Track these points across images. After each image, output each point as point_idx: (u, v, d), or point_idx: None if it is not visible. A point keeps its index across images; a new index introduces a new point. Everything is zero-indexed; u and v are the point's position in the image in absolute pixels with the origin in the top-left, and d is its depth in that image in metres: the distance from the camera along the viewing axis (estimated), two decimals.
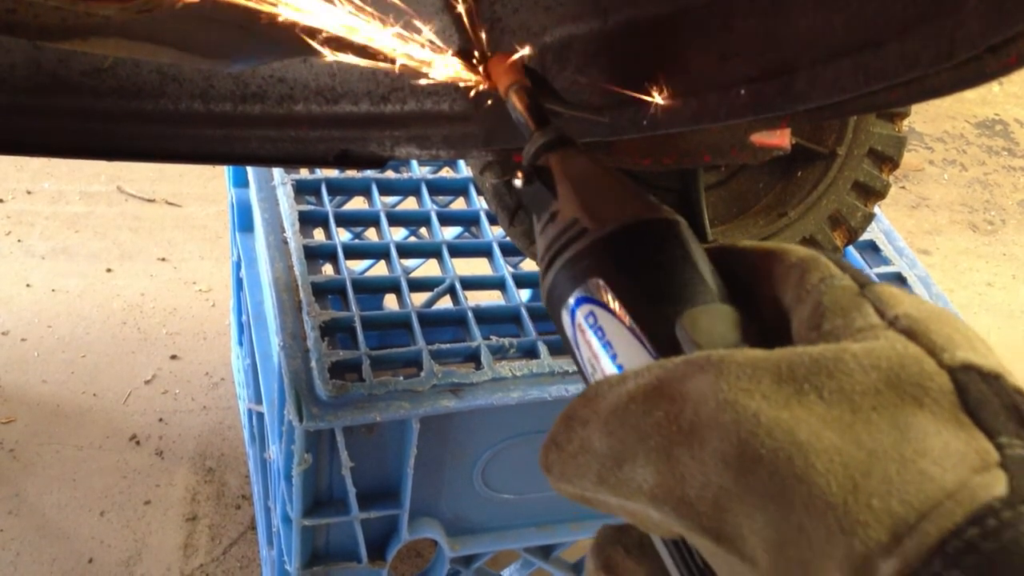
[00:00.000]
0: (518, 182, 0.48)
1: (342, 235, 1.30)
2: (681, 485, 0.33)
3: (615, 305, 0.41)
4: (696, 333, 0.39)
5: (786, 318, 0.39)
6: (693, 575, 0.37)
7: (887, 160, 1.11)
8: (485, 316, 1.21)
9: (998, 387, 0.33)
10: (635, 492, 0.35)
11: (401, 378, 1.07)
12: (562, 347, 1.18)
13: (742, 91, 0.66)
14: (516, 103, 0.52)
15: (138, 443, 1.86)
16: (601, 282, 0.42)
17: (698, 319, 0.39)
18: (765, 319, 0.40)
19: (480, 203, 1.39)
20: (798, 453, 0.31)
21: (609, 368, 0.41)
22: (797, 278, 0.39)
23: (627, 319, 0.40)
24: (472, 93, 0.59)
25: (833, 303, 0.37)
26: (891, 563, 0.29)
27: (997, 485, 0.30)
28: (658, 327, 0.40)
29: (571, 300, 0.43)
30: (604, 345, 0.41)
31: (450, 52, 0.57)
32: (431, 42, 0.58)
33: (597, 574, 0.42)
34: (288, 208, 1.26)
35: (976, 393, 0.33)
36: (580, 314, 0.42)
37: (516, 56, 0.56)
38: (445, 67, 0.57)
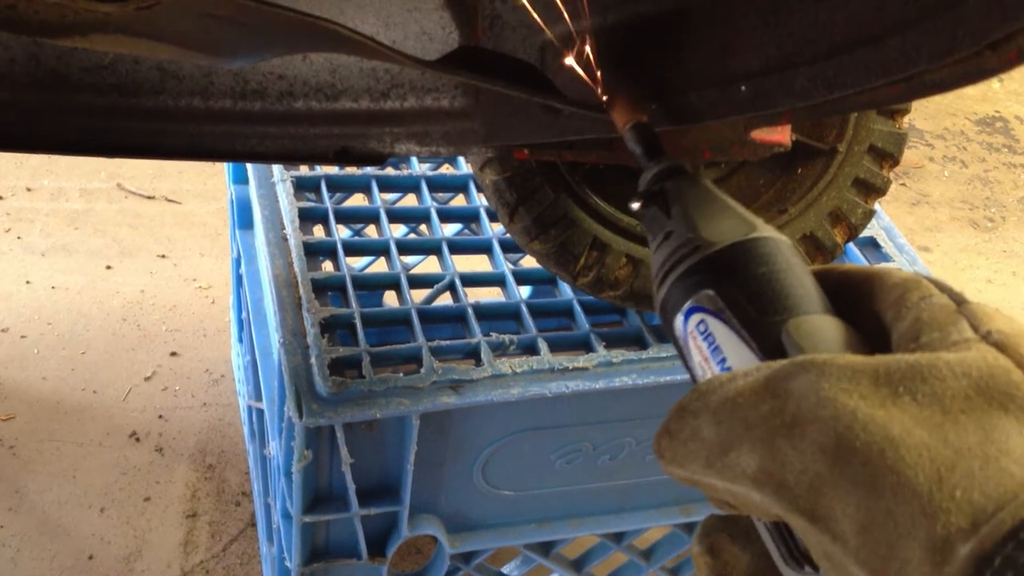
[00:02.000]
0: (635, 206, 0.54)
1: (342, 232, 1.30)
2: (781, 470, 0.37)
3: (725, 314, 0.45)
4: (801, 339, 0.43)
5: (885, 332, 0.43)
6: (795, 559, 0.41)
7: (887, 157, 1.11)
8: (485, 312, 1.21)
9: None
10: (739, 476, 0.39)
11: (401, 374, 1.07)
12: (562, 344, 1.18)
13: (743, 87, 0.66)
14: (633, 136, 0.57)
15: (138, 440, 1.86)
16: (712, 293, 0.46)
17: (802, 327, 0.43)
18: (865, 332, 0.44)
19: (480, 200, 1.38)
20: (890, 447, 0.35)
21: (718, 370, 0.45)
22: (898, 296, 0.43)
23: (736, 326, 0.45)
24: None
25: (931, 318, 0.41)
26: (968, 545, 0.33)
27: None
28: (765, 334, 0.44)
29: (684, 309, 0.47)
30: (714, 350, 0.45)
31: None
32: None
33: (702, 556, 0.46)
34: (288, 205, 1.26)
35: None
36: (692, 322, 0.47)
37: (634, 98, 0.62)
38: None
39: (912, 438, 0.35)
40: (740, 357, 0.44)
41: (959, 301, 0.42)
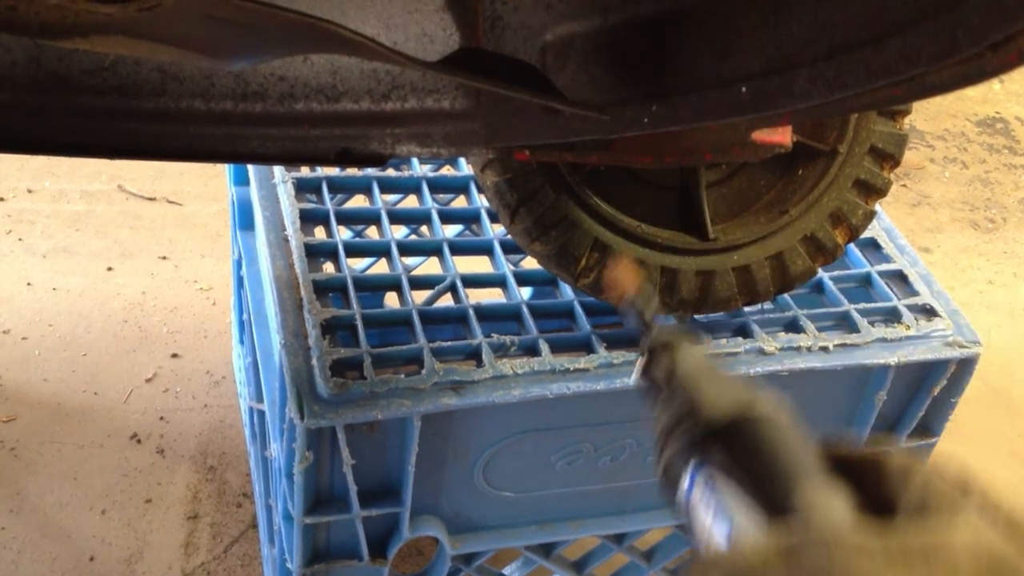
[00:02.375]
0: (639, 370, 0.57)
1: (343, 233, 1.30)
2: None
3: (734, 475, 0.47)
4: (807, 504, 0.44)
5: (889, 504, 0.44)
6: None
7: (888, 158, 1.11)
8: (486, 314, 1.21)
9: None
10: None
11: (402, 376, 1.07)
12: (563, 345, 1.18)
13: (743, 88, 0.66)
14: (637, 306, 0.61)
15: (139, 441, 1.86)
16: (719, 455, 0.48)
17: (808, 491, 0.44)
18: (868, 502, 0.45)
19: (481, 201, 1.39)
20: None
21: (725, 532, 0.46)
22: (904, 471, 0.45)
23: (744, 487, 0.46)
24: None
25: (940, 496, 0.43)
26: None
27: None
28: (772, 496, 0.45)
29: (690, 469, 0.49)
30: (720, 510, 0.46)
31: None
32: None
33: None
34: (289, 206, 1.26)
35: None
36: (699, 481, 0.48)
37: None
38: None
39: None
40: (747, 518, 0.45)
41: (965, 485, 0.43)
